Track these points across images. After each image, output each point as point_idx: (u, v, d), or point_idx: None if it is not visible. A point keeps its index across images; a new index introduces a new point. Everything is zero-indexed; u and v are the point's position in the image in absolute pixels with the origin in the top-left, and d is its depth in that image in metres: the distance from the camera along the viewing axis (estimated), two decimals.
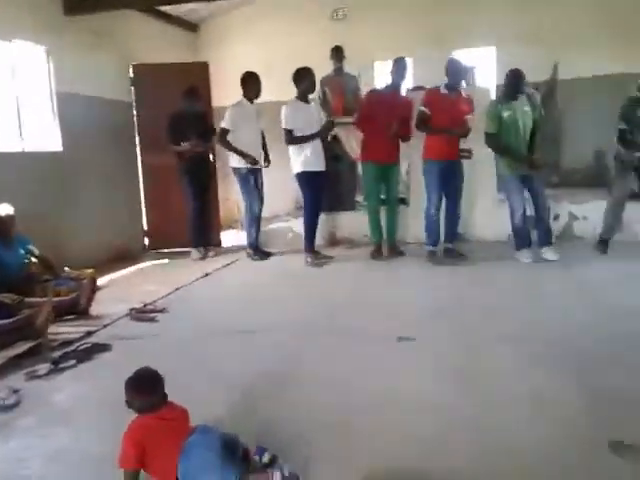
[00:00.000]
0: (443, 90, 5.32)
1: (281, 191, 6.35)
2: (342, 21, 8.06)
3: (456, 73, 5.29)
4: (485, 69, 7.46)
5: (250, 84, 5.84)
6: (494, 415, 2.41)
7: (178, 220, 6.38)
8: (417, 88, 6.62)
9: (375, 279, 5.11)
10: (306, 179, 5.59)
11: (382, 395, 2.65)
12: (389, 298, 4.39)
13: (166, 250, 6.69)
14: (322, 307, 4.20)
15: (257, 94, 5.88)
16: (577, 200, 6.06)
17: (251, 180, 5.93)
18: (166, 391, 2.04)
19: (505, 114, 5.13)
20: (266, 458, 2.00)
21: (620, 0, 6.87)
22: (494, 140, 5.22)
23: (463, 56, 7.56)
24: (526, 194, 5.26)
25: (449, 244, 5.54)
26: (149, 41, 7.30)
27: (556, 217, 5.91)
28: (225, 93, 6.54)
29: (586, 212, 5.88)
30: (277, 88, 5.91)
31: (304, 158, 5.53)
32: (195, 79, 6.49)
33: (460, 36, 7.45)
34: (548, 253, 5.20)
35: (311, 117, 5.57)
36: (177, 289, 4.87)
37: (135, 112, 6.85)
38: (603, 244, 5.30)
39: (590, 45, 6.86)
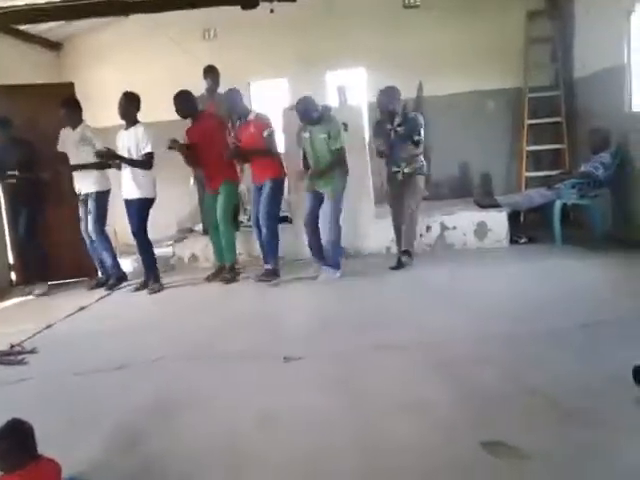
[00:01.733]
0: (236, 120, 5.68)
1: (161, 216, 6.14)
2: (214, 41, 8.02)
3: (230, 104, 5.63)
4: (356, 88, 7.75)
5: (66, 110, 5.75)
6: (377, 425, 2.49)
7: (48, 252, 6.00)
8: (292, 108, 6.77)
9: (250, 299, 5.12)
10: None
11: (269, 416, 2.64)
12: (267, 317, 4.43)
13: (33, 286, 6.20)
14: (200, 333, 4.14)
15: (70, 120, 5.77)
16: (446, 211, 6.45)
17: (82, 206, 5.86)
18: (37, 438, 1.91)
19: (305, 135, 5.43)
20: None
21: (471, 28, 7.48)
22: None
23: (335, 77, 7.92)
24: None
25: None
26: (7, 61, 6.81)
27: (428, 228, 6.25)
28: (92, 115, 6.25)
29: (455, 222, 6.26)
30: (148, 110, 5.73)
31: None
32: (60, 101, 6.16)
33: (331, 58, 7.70)
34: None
35: (122, 142, 5.50)
36: (48, 326, 4.56)
37: None
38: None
39: (448, 66, 7.40)
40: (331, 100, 7.18)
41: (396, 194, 5.65)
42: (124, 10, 5.57)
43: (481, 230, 6.22)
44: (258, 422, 2.59)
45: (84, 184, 5.81)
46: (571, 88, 7.33)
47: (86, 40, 8.28)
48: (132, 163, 5.42)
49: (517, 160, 7.71)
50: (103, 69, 7.98)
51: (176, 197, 5.81)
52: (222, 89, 6.44)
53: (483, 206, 6.54)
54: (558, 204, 5.94)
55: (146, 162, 5.43)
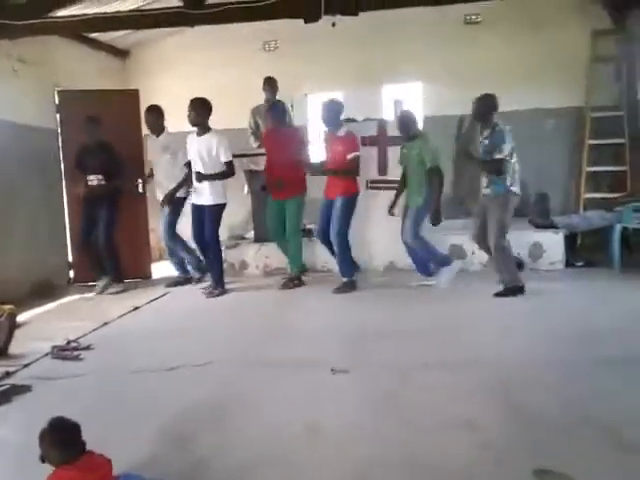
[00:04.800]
0: (324, 132, 5.77)
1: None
2: (274, 53, 8.17)
3: (327, 115, 5.61)
4: (412, 103, 7.72)
5: (147, 118, 6.07)
6: (425, 443, 2.45)
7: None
8: (348, 120, 6.80)
9: (301, 308, 5.13)
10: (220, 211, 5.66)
11: (317, 427, 2.64)
12: (316, 327, 4.43)
13: (93, 283, 6.40)
14: (251, 338, 4.19)
15: (153, 127, 6.06)
16: None
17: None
18: (91, 435, 1.96)
19: (403, 151, 5.54)
20: None
21: (533, 45, 7.38)
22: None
23: (391, 90, 7.92)
24: None
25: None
26: (76, 67, 7.12)
27: None
28: None
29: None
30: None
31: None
32: (125, 107, 6.39)
33: (389, 72, 7.71)
34: None
35: (200, 149, 5.52)
36: (104, 324, 4.70)
37: (61, 139, 6.63)
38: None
39: (508, 83, 7.28)
40: (386, 113, 7.20)
41: (477, 216, 5.25)
42: (190, 21, 5.71)
43: (536, 251, 6.10)
44: (305, 433, 2.59)
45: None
46: (635, 109, 7.10)
47: (151, 49, 8.55)
48: (217, 176, 5.52)
49: (576, 181, 7.51)
50: (166, 77, 8.22)
51: (229, 204, 5.93)
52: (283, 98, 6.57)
53: (539, 226, 6.39)
54: (618, 228, 5.75)
55: (228, 172, 5.57)
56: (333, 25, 6.01)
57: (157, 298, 5.69)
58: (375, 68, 7.70)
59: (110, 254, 6.06)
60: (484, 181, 5.08)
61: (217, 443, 2.52)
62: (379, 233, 6.21)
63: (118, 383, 3.39)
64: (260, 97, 6.79)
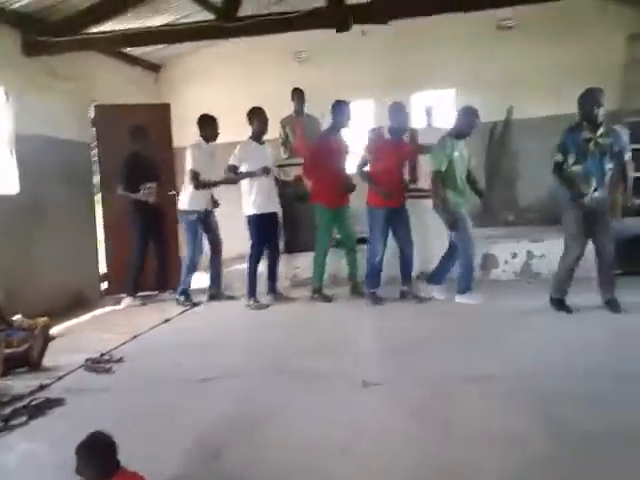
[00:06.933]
0: (386, 135, 5.48)
1: (243, 231, 6.28)
2: (305, 63, 8.19)
3: (399, 117, 5.38)
4: (444, 110, 7.64)
5: (206, 125, 5.88)
6: (466, 456, 2.40)
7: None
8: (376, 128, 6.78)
9: (329, 321, 5.08)
10: (254, 222, 5.60)
11: (350, 439, 2.61)
12: (346, 340, 4.40)
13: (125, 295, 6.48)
14: (282, 351, 4.17)
15: (214, 136, 5.91)
16: (534, 238, 6.19)
17: (198, 225, 5.89)
18: (122, 449, 1.97)
19: (455, 154, 5.09)
20: None
21: (567, 49, 7.23)
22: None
23: (421, 98, 7.85)
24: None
25: (404, 286, 5.54)
26: (110, 81, 7.27)
27: (514, 255, 6.02)
28: (186, 134, 6.51)
29: (543, 250, 6.00)
30: (239, 129, 5.89)
31: (253, 200, 5.56)
32: (156, 120, 6.48)
33: (420, 79, 7.68)
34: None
35: (264, 158, 5.60)
36: (135, 337, 4.74)
37: (97, 153, 6.76)
38: (559, 303, 4.74)
39: (541, 88, 7.18)
40: (416, 121, 7.13)
41: (583, 225, 4.59)
42: (224, 34, 5.77)
43: None
44: (337, 446, 2.55)
45: (207, 201, 5.97)
46: None
47: (182, 62, 8.67)
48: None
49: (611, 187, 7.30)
50: (197, 90, 8.31)
51: None
52: (312, 111, 6.58)
53: None
54: None
55: None
56: (363, 34, 6.02)
57: (186, 310, 5.73)
58: (405, 76, 7.66)
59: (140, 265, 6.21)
60: (595, 183, 4.53)
61: (247, 456, 2.51)
62: None
63: (149, 395, 3.40)
64: (290, 107, 6.80)
